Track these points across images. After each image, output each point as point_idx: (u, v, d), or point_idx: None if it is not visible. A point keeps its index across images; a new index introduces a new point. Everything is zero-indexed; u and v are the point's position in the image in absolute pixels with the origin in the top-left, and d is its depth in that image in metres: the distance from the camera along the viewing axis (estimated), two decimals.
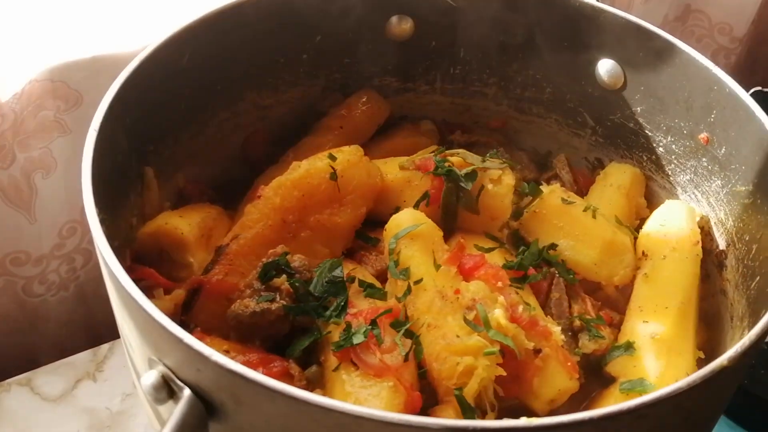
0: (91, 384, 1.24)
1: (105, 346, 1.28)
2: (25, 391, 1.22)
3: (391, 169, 1.02)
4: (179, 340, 0.61)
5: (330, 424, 0.59)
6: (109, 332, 1.36)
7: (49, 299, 1.35)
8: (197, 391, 0.63)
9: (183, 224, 0.92)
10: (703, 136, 0.98)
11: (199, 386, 0.63)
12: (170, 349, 0.63)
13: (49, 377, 1.24)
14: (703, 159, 0.98)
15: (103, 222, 0.73)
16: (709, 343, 0.94)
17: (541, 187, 1.01)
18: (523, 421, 0.59)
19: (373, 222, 1.00)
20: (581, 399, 0.88)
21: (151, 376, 0.65)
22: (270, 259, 0.88)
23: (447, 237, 0.97)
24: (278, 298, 0.86)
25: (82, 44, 1.15)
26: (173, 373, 0.64)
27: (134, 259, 0.90)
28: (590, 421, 0.59)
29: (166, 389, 0.65)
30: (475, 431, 0.58)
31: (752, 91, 1.31)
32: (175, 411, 0.62)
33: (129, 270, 0.73)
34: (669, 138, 1.03)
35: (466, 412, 0.79)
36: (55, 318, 1.38)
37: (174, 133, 0.98)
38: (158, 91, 0.92)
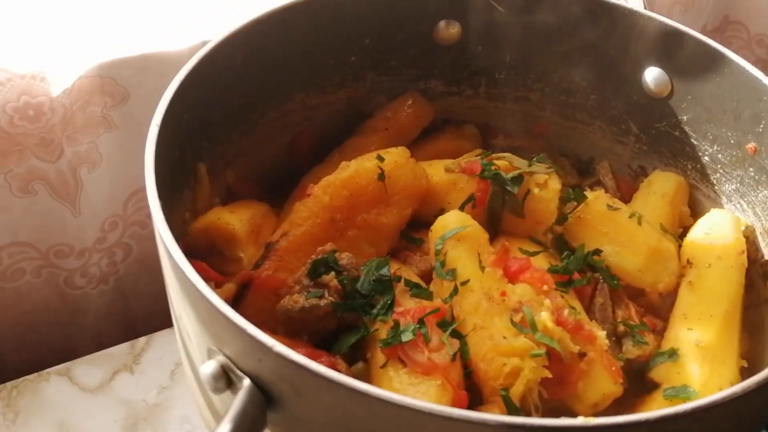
0: (128, 376, 1.26)
1: (142, 339, 1.30)
2: (64, 381, 1.24)
3: (437, 171, 1.03)
4: (242, 330, 0.62)
5: (387, 416, 0.60)
6: (146, 326, 1.39)
7: (89, 292, 1.37)
8: (257, 381, 0.64)
9: (234, 220, 0.94)
10: (750, 146, 0.98)
11: (258, 376, 0.64)
12: (231, 338, 0.64)
13: (88, 368, 1.26)
14: (750, 169, 0.99)
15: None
16: (752, 352, 0.94)
17: (585, 192, 1.02)
18: (581, 420, 0.59)
19: (417, 223, 1.01)
20: (624, 404, 0.88)
21: (210, 366, 0.66)
22: (319, 257, 0.89)
23: (491, 240, 0.97)
24: (326, 295, 0.87)
25: (130, 42, 1.17)
26: (233, 363, 0.65)
27: (186, 253, 0.91)
28: (646, 423, 0.60)
29: (225, 379, 0.66)
30: (533, 429, 0.58)
31: None
32: (236, 400, 0.63)
33: None
34: (715, 147, 1.03)
35: (512, 412, 0.80)
36: (94, 310, 1.40)
37: (226, 131, 1.00)
38: (214, 90, 0.93)
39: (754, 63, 1.75)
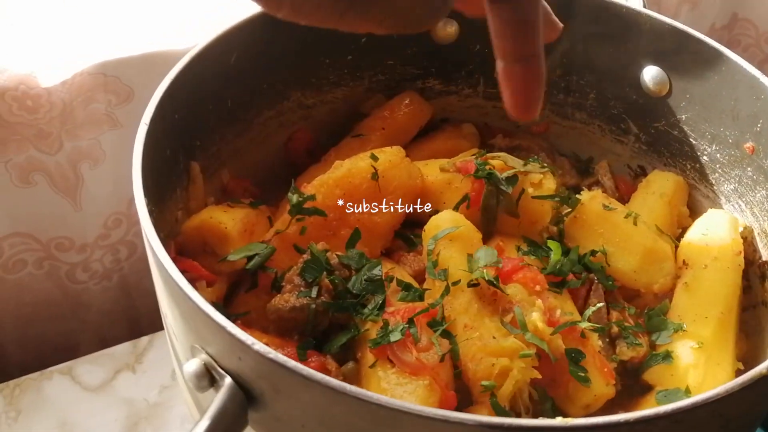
0: (130, 375, 1.26)
1: (145, 339, 1.31)
2: (66, 380, 1.25)
3: (432, 170, 1.03)
4: (222, 329, 0.62)
5: (366, 415, 0.60)
6: (150, 325, 1.39)
7: (92, 287, 1.38)
8: (238, 379, 0.64)
9: (227, 219, 0.94)
10: (749, 145, 0.97)
11: (239, 375, 0.64)
12: (213, 337, 0.64)
13: (90, 367, 1.26)
14: (748, 169, 0.97)
15: (150, 213, 0.74)
16: (749, 354, 0.94)
17: (582, 192, 1.01)
18: (559, 421, 0.59)
19: (412, 223, 1.01)
20: (617, 406, 0.88)
21: (193, 364, 0.66)
22: (311, 256, 0.89)
23: (486, 240, 0.97)
24: (318, 295, 0.87)
25: (136, 41, 1.18)
26: (215, 361, 0.65)
27: (178, 252, 0.92)
28: (626, 424, 0.59)
29: (208, 377, 0.66)
30: (510, 428, 0.58)
31: None
32: (216, 398, 0.63)
33: (174, 262, 0.75)
34: (714, 147, 1.02)
35: (499, 413, 0.79)
36: (97, 307, 1.41)
37: (220, 130, 1.00)
38: (206, 89, 0.94)
39: (763, 61, 1.75)
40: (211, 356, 0.66)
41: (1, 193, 1.19)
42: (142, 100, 1.18)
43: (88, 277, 1.36)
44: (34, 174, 1.19)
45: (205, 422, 0.61)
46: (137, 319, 1.47)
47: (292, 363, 0.60)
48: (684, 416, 0.61)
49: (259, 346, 0.60)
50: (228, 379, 0.64)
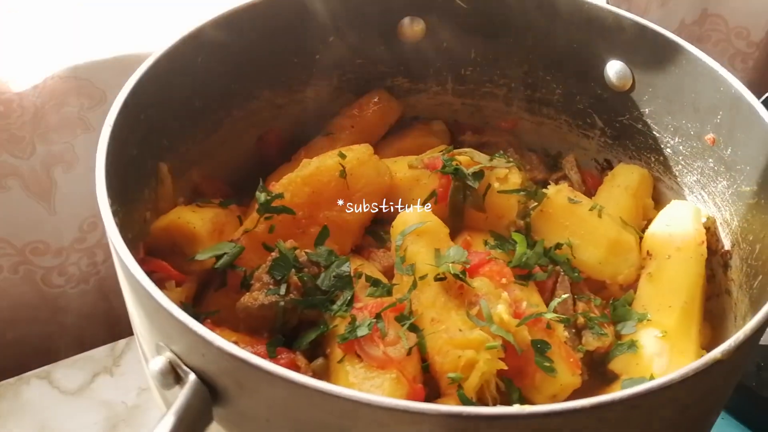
0: (108, 378, 1.26)
1: (122, 342, 1.31)
2: (44, 384, 1.25)
3: (400, 167, 1.04)
4: (185, 326, 0.63)
5: (329, 408, 0.61)
6: (129, 327, 1.39)
7: (68, 291, 1.38)
8: (202, 376, 0.65)
9: (195, 219, 0.95)
10: (709, 137, 0.98)
11: (203, 371, 0.65)
12: (177, 334, 0.65)
13: (68, 371, 1.27)
14: (710, 160, 0.99)
15: (116, 213, 0.75)
16: (713, 342, 0.95)
17: (548, 186, 1.03)
18: (516, 408, 0.60)
19: (383, 220, 1.02)
20: (583, 395, 0.88)
21: (158, 362, 0.67)
22: (279, 254, 0.90)
23: (454, 235, 0.98)
24: (286, 292, 0.88)
25: (107, 44, 1.18)
26: (179, 358, 0.66)
27: (147, 252, 0.92)
28: (582, 410, 0.60)
29: (173, 374, 0.67)
30: (470, 417, 0.59)
31: (765, 97, 1.31)
32: (180, 395, 0.64)
33: (142, 262, 0.75)
34: (676, 139, 1.03)
35: (467, 404, 0.80)
36: (75, 310, 1.41)
37: (189, 130, 1.01)
38: (173, 89, 0.94)
39: (734, 55, 1.78)
40: (175, 354, 0.67)
41: None
42: None
43: (64, 281, 1.36)
44: (7, 179, 1.19)
45: (170, 418, 0.62)
46: (116, 321, 1.47)
47: (254, 358, 0.60)
48: (640, 401, 0.62)
49: (220, 342, 0.61)
50: (192, 376, 0.65)
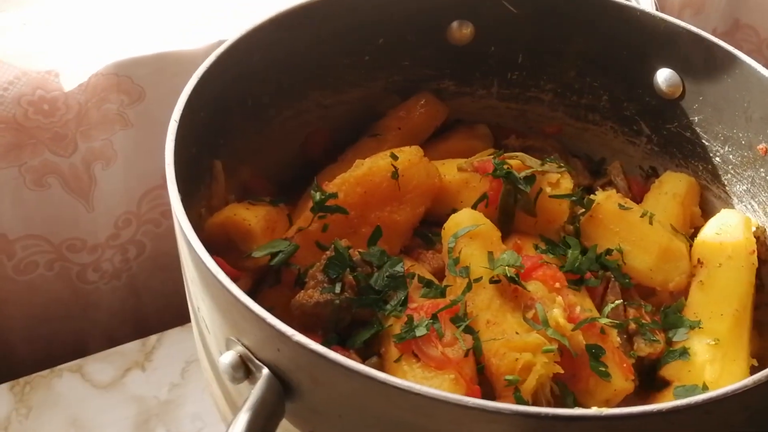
0: (139, 373, 1.27)
1: (153, 337, 1.31)
2: (76, 378, 1.25)
3: (449, 170, 1.04)
4: (261, 320, 0.63)
5: (405, 405, 0.61)
6: (158, 323, 1.40)
7: (101, 287, 1.38)
8: (275, 370, 0.65)
9: (250, 216, 0.95)
10: (761, 146, 0.98)
11: (277, 366, 0.65)
12: (251, 328, 0.65)
13: (100, 365, 1.27)
14: (761, 170, 0.99)
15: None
16: (762, 351, 0.95)
17: (597, 192, 1.03)
18: (594, 411, 0.60)
19: (430, 222, 1.02)
20: (635, 401, 0.89)
21: (229, 356, 0.67)
22: (335, 253, 0.90)
23: (503, 238, 0.98)
24: (341, 291, 0.88)
25: (147, 41, 1.19)
26: (251, 353, 0.66)
27: None
28: (659, 414, 0.60)
29: (243, 369, 0.67)
30: (547, 417, 0.59)
31: None
32: (255, 390, 0.64)
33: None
34: (726, 148, 1.04)
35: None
36: (106, 306, 1.42)
37: (241, 129, 1.01)
38: (230, 88, 0.95)
39: (765, 66, 1.77)
40: (247, 348, 0.67)
41: (15, 196, 1.19)
42: (153, 100, 1.20)
43: (98, 277, 1.37)
44: (48, 176, 1.20)
45: (246, 414, 0.62)
46: (145, 318, 1.48)
47: (333, 354, 0.61)
48: (714, 407, 0.62)
49: (299, 337, 0.61)
50: (266, 370, 0.65)
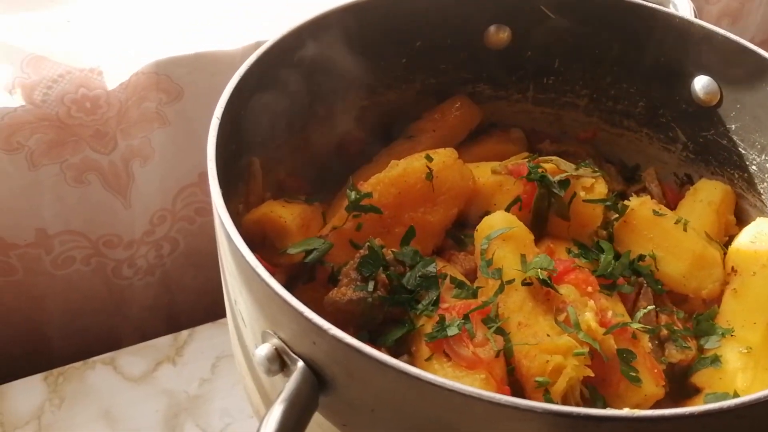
0: (170, 367, 1.29)
1: (185, 332, 1.33)
2: (109, 370, 1.28)
3: (483, 173, 1.05)
4: (298, 313, 0.64)
5: (437, 401, 0.62)
6: (189, 320, 1.42)
7: (135, 283, 1.41)
8: (310, 363, 0.66)
9: (286, 213, 0.97)
10: None
11: (312, 359, 0.66)
12: (287, 321, 0.66)
13: (132, 358, 1.29)
14: None
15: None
16: None
17: (631, 198, 1.03)
18: (626, 412, 0.61)
19: (463, 224, 1.03)
20: (664, 407, 0.88)
21: (265, 348, 0.68)
22: (368, 251, 0.91)
23: (536, 242, 0.98)
24: (374, 289, 0.89)
25: (187, 41, 1.21)
26: (287, 346, 0.67)
27: None
28: (690, 417, 0.61)
29: (279, 361, 0.68)
30: (579, 417, 0.60)
31: None
32: (290, 381, 0.65)
33: None
34: (763, 156, 1.03)
35: None
36: (138, 302, 1.44)
37: (280, 128, 1.02)
38: (269, 87, 0.96)
39: None
40: (283, 341, 0.68)
41: (55, 192, 1.22)
42: (190, 99, 1.22)
43: (132, 273, 1.39)
44: (88, 173, 1.22)
45: (281, 405, 0.63)
46: (176, 314, 1.50)
47: (369, 349, 0.62)
48: (746, 412, 0.62)
49: (335, 330, 0.62)
50: (300, 363, 0.66)
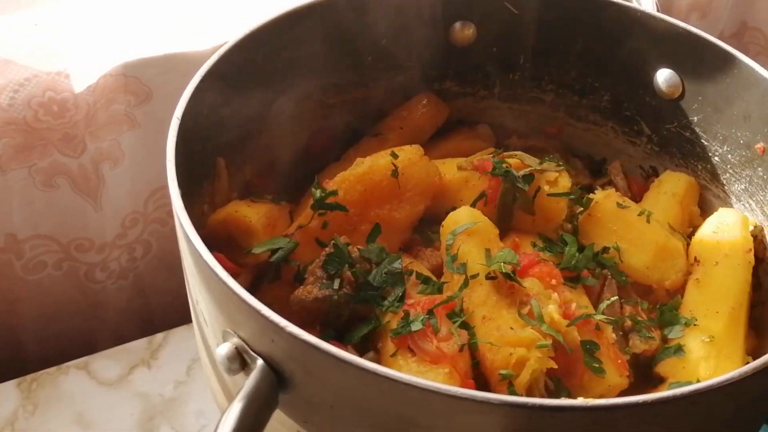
0: (145, 371, 1.28)
1: (160, 335, 1.33)
2: (83, 375, 1.27)
3: (449, 169, 1.05)
4: (256, 312, 0.64)
5: (395, 396, 0.62)
6: (164, 322, 1.41)
7: (109, 287, 1.40)
8: (269, 361, 0.67)
9: (251, 213, 0.97)
10: (759, 146, 0.99)
11: (271, 357, 0.67)
12: (246, 320, 0.67)
13: (106, 362, 1.28)
14: (759, 169, 1.00)
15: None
16: (758, 350, 0.96)
17: (596, 191, 1.04)
18: (580, 401, 0.61)
19: (430, 220, 1.03)
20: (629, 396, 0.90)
21: (225, 348, 0.69)
22: (334, 249, 0.91)
23: (501, 236, 0.99)
24: (340, 286, 0.89)
25: (155, 42, 1.21)
26: (247, 344, 0.68)
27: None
28: (644, 404, 0.61)
29: (239, 360, 0.68)
30: (535, 408, 0.60)
31: None
32: (249, 380, 0.65)
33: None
34: (725, 147, 1.04)
35: None
36: (113, 305, 1.43)
37: (245, 127, 1.02)
38: (233, 87, 0.96)
39: None
40: (243, 340, 0.68)
41: (24, 197, 1.21)
42: (160, 100, 1.22)
43: (105, 276, 1.38)
44: (57, 177, 1.22)
45: (239, 403, 0.63)
46: (151, 317, 1.49)
47: (325, 345, 0.62)
48: (700, 398, 0.63)
49: (292, 328, 0.63)
50: (260, 361, 0.67)
